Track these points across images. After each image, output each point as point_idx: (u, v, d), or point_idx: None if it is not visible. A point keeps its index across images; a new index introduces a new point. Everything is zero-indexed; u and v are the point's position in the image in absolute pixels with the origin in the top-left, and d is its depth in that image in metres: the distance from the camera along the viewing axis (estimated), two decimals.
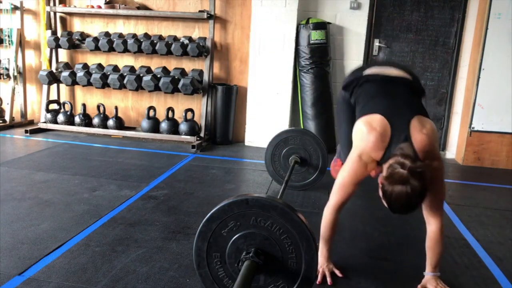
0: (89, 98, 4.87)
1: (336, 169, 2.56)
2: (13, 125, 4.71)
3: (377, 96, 1.89)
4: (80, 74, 4.38)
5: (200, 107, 4.51)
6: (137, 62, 4.68)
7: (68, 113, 4.54)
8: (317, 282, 1.83)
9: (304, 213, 2.56)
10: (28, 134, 4.35)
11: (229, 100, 4.34)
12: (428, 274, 1.88)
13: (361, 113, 1.84)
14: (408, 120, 1.71)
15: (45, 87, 4.63)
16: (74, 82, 4.44)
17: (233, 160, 3.84)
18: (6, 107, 4.73)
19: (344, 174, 1.84)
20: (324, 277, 1.86)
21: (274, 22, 4.16)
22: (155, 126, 4.35)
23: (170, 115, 4.34)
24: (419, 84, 2.15)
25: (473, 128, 4.02)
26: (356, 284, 1.85)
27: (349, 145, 1.96)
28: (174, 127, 4.30)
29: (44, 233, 2.14)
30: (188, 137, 4.22)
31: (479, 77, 3.92)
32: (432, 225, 1.86)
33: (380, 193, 1.67)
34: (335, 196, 1.85)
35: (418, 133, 1.67)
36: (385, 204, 1.64)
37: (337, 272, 1.90)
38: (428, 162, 1.65)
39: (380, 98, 1.87)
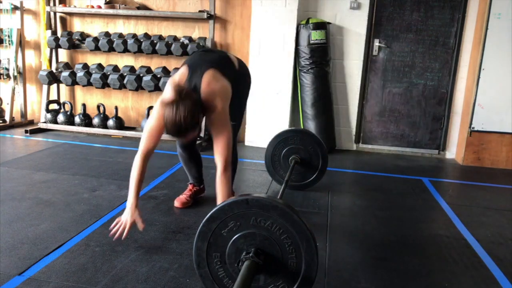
0: (89, 98, 4.87)
1: None
2: (13, 125, 4.71)
3: (193, 56, 2.29)
4: (80, 74, 4.38)
5: None
6: (137, 62, 4.68)
7: (68, 113, 4.54)
8: (109, 235, 1.98)
9: (304, 213, 2.57)
10: (28, 134, 4.35)
11: None
12: None
13: None
14: (203, 71, 2.07)
15: (45, 87, 4.63)
16: (74, 82, 4.44)
17: None
18: (6, 107, 4.73)
19: (150, 120, 2.10)
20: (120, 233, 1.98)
21: (274, 22, 4.16)
22: None
23: None
24: (243, 69, 2.51)
25: (473, 128, 4.02)
26: (356, 284, 1.85)
27: None
28: None
29: (44, 233, 2.14)
30: None
31: (479, 77, 3.92)
32: (218, 166, 2.06)
33: None
34: (144, 142, 2.09)
35: (205, 84, 2.04)
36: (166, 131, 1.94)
37: (139, 224, 2.00)
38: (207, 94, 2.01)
39: (194, 56, 2.27)
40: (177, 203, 2.60)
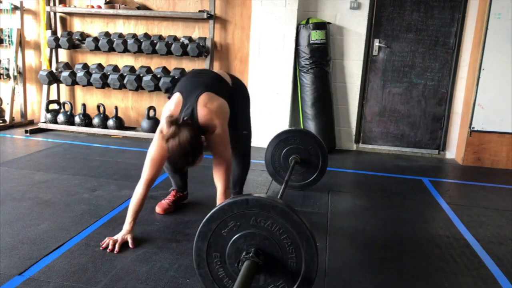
0: (89, 98, 4.87)
1: None
2: (13, 125, 4.71)
3: (183, 81, 2.27)
4: (80, 74, 4.38)
5: None
6: (137, 62, 4.68)
7: (68, 113, 4.54)
8: (101, 248, 2.00)
9: (304, 213, 2.57)
10: (28, 134, 4.35)
11: None
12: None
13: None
14: (197, 95, 2.07)
15: (45, 87, 4.63)
16: (74, 82, 4.44)
17: None
18: (6, 107, 4.74)
19: (152, 150, 2.09)
20: (114, 244, 2.01)
21: (274, 22, 4.16)
22: (155, 126, 4.34)
23: None
24: (237, 83, 2.47)
25: (473, 128, 4.02)
26: (356, 284, 1.85)
27: None
28: None
29: (44, 233, 2.14)
30: None
31: (479, 77, 3.92)
32: (218, 188, 2.16)
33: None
34: (147, 171, 2.10)
35: (201, 106, 2.05)
36: (170, 165, 2.05)
37: (130, 242, 2.05)
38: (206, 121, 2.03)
39: (184, 81, 2.26)
40: (158, 209, 2.52)
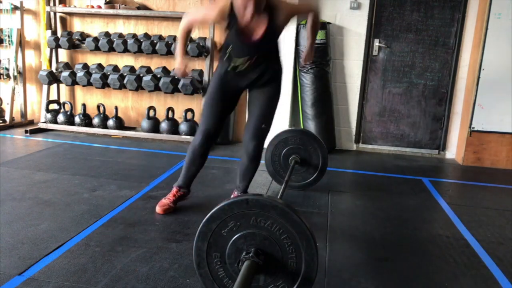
0: (89, 98, 4.87)
1: None
2: (13, 125, 4.71)
3: None
4: (80, 74, 4.38)
5: (200, 107, 4.51)
6: (137, 62, 4.68)
7: (68, 113, 4.54)
8: (181, 75, 2.38)
9: (304, 213, 2.56)
10: (28, 134, 4.35)
11: None
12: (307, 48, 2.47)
13: None
14: None
15: (45, 87, 4.63)
16: (74, 82, 4.44)
17: (233, 160, 3.84)
18: (6, 107, 4.74)
19: (201, 11, 2.42)
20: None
21: None
22: (155, 126, 4.35)
23: (170, 115, 4.34)
24: None
25: (473, 128, 4.02)
26: (356, 284, 1.85)
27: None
28: (174, 127, 4.31)
29: (44, 233, 2.14)
30: (188, 137, 4.22)
31: (479, 77, 3.92)
32: (310, 17, 2.35)
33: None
34: (192, 14, 2.29)
35: None
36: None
37: (187, 69, 2.36)
38: None
39: None
40: (158, 209, 2.49)
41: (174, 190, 2.57)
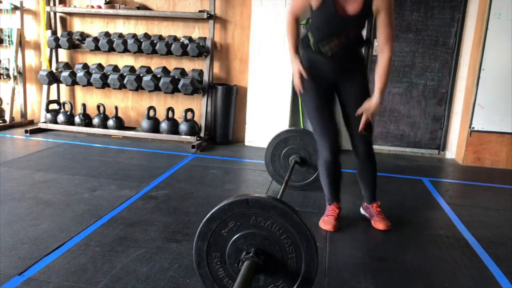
0: (89, 98, 4.87)
1: None
2: (13, 125, 4.71)
3: None
4: (80, 74, 4.38)
5: (200, 107, 4.51)
6: (137, 62, 4.68)
7: (68, 113, 4.54)
8: (298, 91, 2.30)
9: (304, 213, 2.56)
10: (28, 134, 4.35)
11: (229, 100, 4.34)
12: (373, 97, 2.25)
13: None
14: None
15: (45, 87, 4.63)
16: (74, 82, 4.44)
17: (233, 160, 3.84)
18: (6, 107, 4.74)
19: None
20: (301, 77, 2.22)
21: (274, 22, 4.16)
22: (155, 126, 4.35)
23: (170, 115, 4.34)
24: None
25: (473, 128, 4.02)
26: (356, 284, 1.85)
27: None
28: (174, 127, 4.31)
29: (44, 233, 2.14)
30: (188, 137, 4.22)
31: (479, 77, 3.92)
32: (384, 53, 2.15)
33: None
34: (291, 5, 2.22)
35: None
36: None
37: (302, 71, 2.22)
38: None
39: None
40: (327, 227, 2.33)
41: (332, 206, 2.43)
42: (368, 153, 2.41)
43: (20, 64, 4.75)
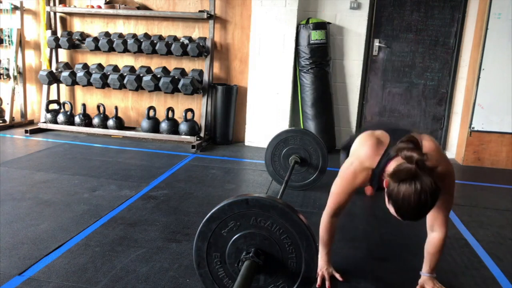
0: (89, 98, 4.87)
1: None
2: (13, 125, 4.71)
3: (376, 124, 1.90)
4: (80, 74, 4.38)
5: (200, 107, 4.51)
6: (137, 62, 4.68)
7: (68, 113, 4.54)
8: (317, 286, 1.79)
9: (304, 213, 2.57)
10: (28, 134, 4.34)
11: (229, 100, 4.34)
12: (425, 274, 1.84)
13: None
14: (407, 131, 1.64)
15: (45, 87, 4.63)
16: (74, 82, 4.44)
17: (233, 160, 3.84)
18: (6, 107, 4.73)
19: (337, 182, 1.77)
20: (323, 280, 1.81)
21: (274, 22, 4.16)
22: (155, 126, 4.35)
23: (170, 115, 4.34)
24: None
25: (473, 128, 4.02)
26: (356, 284, 1.85)
27: None
28: (174, 127, 4.31)
29: (44, 233, 2.14)
30: (188, 137, 4.22)
31: (479, 77, 3.92)
32: (438, 233, 1.81)
33: (386, 199, 1.48)
34: (329, 202, 1.80)
35: (423, 139, 1.56)
36: (393, 211, 1.47)
37: (337, 275, 1.85)
38: (438, 164, 1.56)
39: (379, 124, 1.90)
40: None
41: None
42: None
43: (20, 64, 4.75)
